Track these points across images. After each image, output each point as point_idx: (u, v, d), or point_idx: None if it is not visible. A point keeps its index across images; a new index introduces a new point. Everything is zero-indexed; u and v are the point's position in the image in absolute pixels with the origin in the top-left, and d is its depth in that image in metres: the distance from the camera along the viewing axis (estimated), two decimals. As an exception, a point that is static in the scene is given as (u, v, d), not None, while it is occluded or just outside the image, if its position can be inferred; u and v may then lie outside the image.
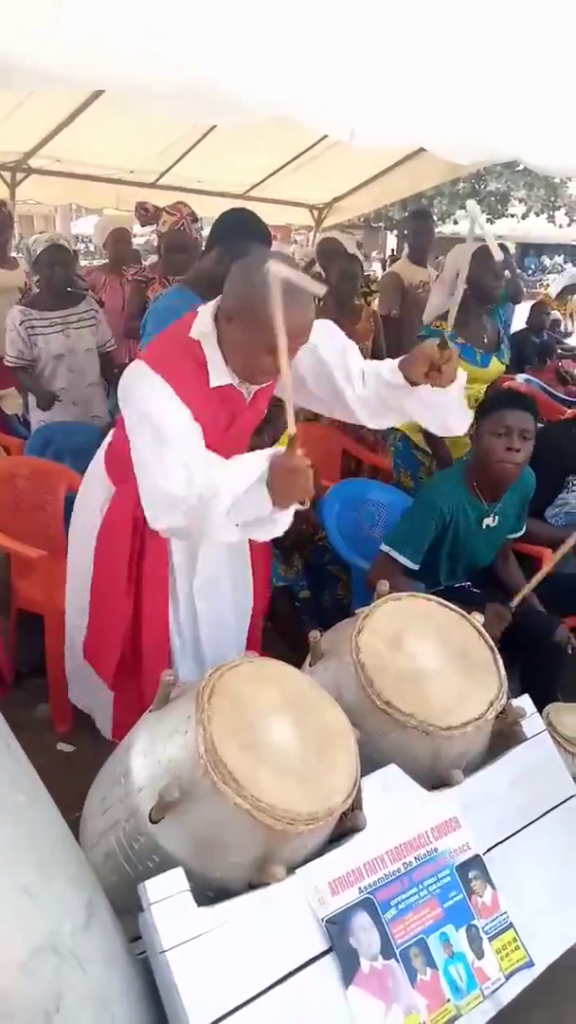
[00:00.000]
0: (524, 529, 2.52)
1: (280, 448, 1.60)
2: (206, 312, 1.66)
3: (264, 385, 1.77)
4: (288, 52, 1.31)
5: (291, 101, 1.40)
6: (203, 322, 1.66)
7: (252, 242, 2.06)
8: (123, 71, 1.24)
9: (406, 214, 12.66)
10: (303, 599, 2.69)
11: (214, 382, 1.66)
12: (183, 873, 1.25)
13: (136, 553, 1.86)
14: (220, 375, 1.66)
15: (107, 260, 4.59)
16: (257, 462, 1.58)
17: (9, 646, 2.55)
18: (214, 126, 4.54)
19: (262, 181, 5.62)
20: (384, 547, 2.32)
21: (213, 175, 5.40)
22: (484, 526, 2.38)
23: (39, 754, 1.99)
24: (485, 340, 2.90)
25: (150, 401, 1.60)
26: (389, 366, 1.80)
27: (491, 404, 2.36)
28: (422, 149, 5.03)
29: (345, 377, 1.83)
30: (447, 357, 1.71)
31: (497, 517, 2.39)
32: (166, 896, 1.23)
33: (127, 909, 1.31)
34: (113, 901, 1.31)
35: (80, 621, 1.98)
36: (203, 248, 2.19)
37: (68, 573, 2.08)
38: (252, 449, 1.73)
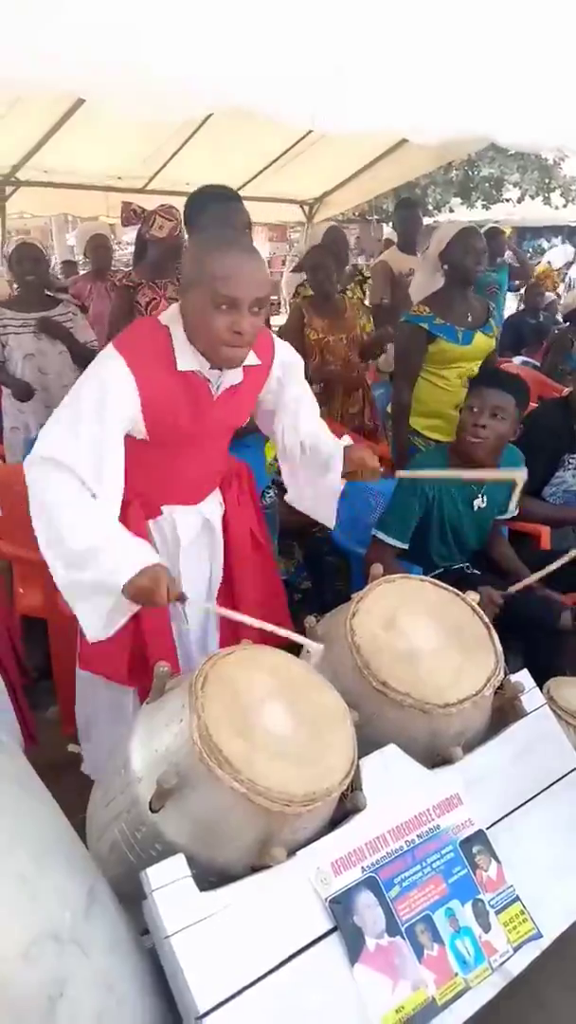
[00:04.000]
0: (515, 511, 2.52)
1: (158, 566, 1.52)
2: (176, 305, 1.68)
3: (236, 383, 1.74)
4: (243, 40, 1.32)
5: (248, 90, 1.41)
6: (171, 310, 1.67)
7: (232, 204, 2.10)
8: (78, 72, 1.25)
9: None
10: (304, 591, 2.70)
11: (181, 366, 1.65)
12: (184, 859, 1.27)
13: None
14: (186, 359, 1.65)
15: (90, 268, 4.65)
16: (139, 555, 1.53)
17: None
18: (199, 127, 4.57)
19: (250, 180, 5.63)
20: (374, 531, 2.35)
21: (201, 177, 5.40)
22: (475, 507, 2.38)
23: (48, 755, 2.03)
24: (470, 318, 2.90)
25: (94, 377, 1.60)
26: (336, 452, 1.88)
27: (474, 381, 2.38)
28: (407, 140, 5.08)
29: (290, 427, 1.92)
30: (372, 473, 1.92)
31: (486, 497, 2.39)
32: (168, 882, 1.24)
33: (135, 899, 1.32)
34: (121, 892, 1.33)
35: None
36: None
37: None
38: None
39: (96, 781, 1.57)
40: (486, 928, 1.46)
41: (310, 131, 4.70)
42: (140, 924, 1.32)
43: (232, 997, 1.21)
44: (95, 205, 5.73)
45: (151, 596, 1.49)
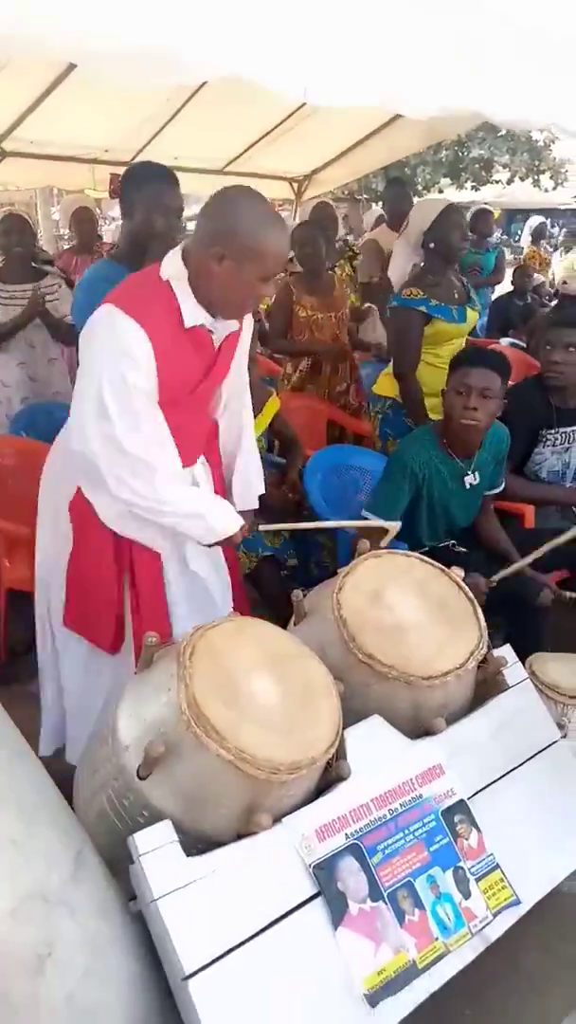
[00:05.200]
0: (503, 485, 2.54)
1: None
2: (175, 254, 1.66)
3: (234, 330, 1.78)
4: (238, 10, 1.30)
5: (242, 60, 1.40)
6: (172, 263, 1.66)
7: (169, 187, 2.09)
8: (71, 36, 1.23)
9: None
10: (290, 567, 2.71)
11: (188, 322, 1.65)
12: (171, 825, 1.29)
13: None
14: (194, 315, 1.66)
15: (76, 242, 4.60)
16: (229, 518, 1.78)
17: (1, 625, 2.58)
18: (188, 100, 4.50)
19: (239, 155, 5.57)
20: (363, 512, 2.35)
21: (190, 151, 5.35)
22: (467, 485, 2.39)
23: (33, 727, 2.04)
24: (456, 295, 2.90)
25: (118, 343, 1.59)
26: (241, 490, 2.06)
27: (456, 361, 2.38)
28: (397, 117, 5.04)
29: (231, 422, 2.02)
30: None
31: (477, 475, 2.41)
32: (155, 847, 1.26)
33: (123, 867, 1.34)
34: (108, 860, 1.35)
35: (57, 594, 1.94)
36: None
37: (38, 548, 2.01)
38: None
39: (82, 751, 1.58)
40: (466, 895, 1.49)
41: (301, 106, 4.65)
42: (127, 891, 1.34)
43: (218, 959, 1.23)
44: (81, 177, 5.65)
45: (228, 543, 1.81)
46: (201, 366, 1.75)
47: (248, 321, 1.90)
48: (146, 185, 2.11)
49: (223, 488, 2.02)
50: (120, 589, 1.83)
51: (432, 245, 2.86)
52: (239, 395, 2.00)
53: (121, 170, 5.19)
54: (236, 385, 1.97)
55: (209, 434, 1.95)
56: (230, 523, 1.78)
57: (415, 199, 5.00)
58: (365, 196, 13.34)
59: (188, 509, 1.73)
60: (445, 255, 2.86)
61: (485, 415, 2.27)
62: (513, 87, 1.82)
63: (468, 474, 2.39)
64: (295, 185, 6.27)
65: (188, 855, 1.28)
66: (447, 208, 2.87)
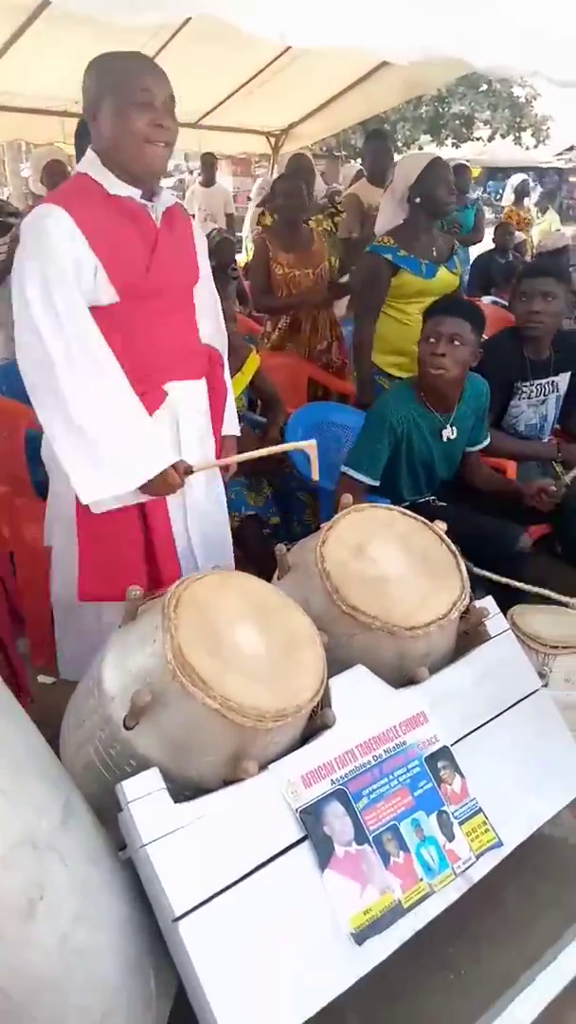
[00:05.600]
0: (488, 439, 2.55)
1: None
2: (89, 151, 1.73)
3: (171, 204, 1.79)
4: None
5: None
6: (87, 156, 1.73)
7: None
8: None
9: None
10: (273, 525, 2.72)
11: (112, 190, 1.69)
12: (159, 772, 1.30)
13: None
14: (114, 185, 1.70)
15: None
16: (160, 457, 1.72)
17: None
18: (161, 49, 4.37)
19: (215, 108, 5.44)
20: (344, 468, 2.36)
21: (163, 104, 5.23)
22: (444, 438, 2.40)
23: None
24: (434, 252, 2.87)
25: (40, 235, 1.62)
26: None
27: (428, 312, 2.37)
28: (376, 69, 4.93)
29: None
30: None
31: (455, 428, 2.41)
32: (143, 794, 1.27)
33: (111, 817, 1.35)
34: (97, 809, 1.36)
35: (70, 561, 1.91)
36: None
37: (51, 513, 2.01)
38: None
39: (68, 704, 1.59)
40: (450, 837, 1.52)
41: (278, 56, 4.54)
42: (115, 841, 1.36)
43: (207, 901, 1.25)
44: (50, 130, 5.49)
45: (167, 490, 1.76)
46: (142, 242, 1.74)
47: (200, 235, 1.91)
48: None
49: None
50: (140, 529, 1.83)
51: (418, 200, 2.82)
52: (213, 318, 1.99)
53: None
54: (206, 302, 1.95)
55: (210, 359, 1.93)
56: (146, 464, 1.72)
57: (395, 155, 4.92)
58: (344, 152, 13.12)
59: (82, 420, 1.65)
60: (431, 210, 2.83)
61: (453, 362, 2.26)
62: (496, 33, 1.78)
63: (446, 427, 2.39)
64: (272, 140, 6.15)
65: (176, 802, 1.30)
66: (432, 162, 2.83)
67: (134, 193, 1.72)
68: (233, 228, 7.38)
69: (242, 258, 5.99)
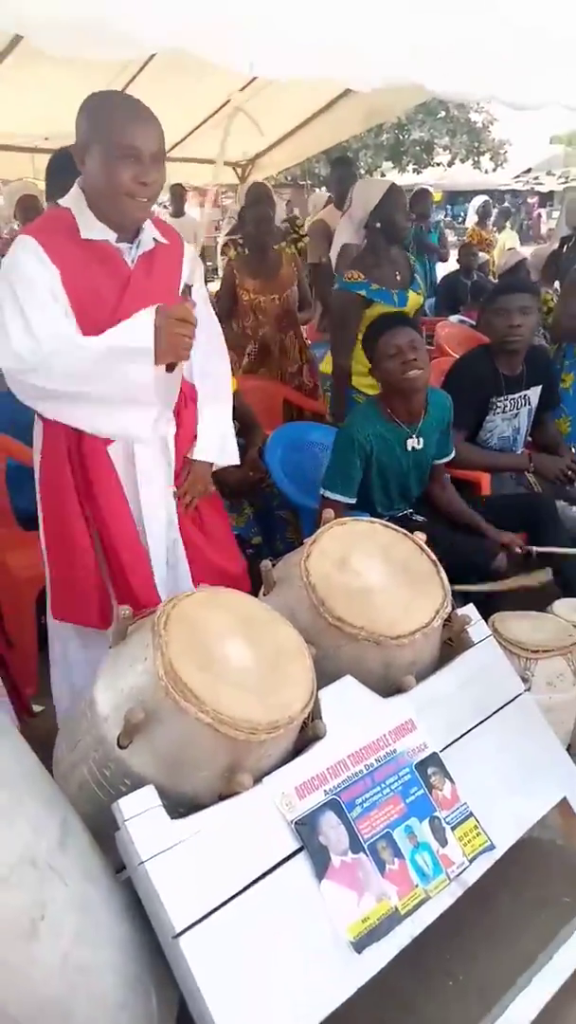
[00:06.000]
0: (453, 452, 2.60)
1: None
2: (75, 185, 1.75)
3: (149, 248, 1.79)
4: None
5: (186, 33, 1.41)
6: (72, 191, 1.75)
7: None
8: (12, 5, 1.23)
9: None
10: (255, 545, 2.75)
11: (84, 233, 1.71)
12: (154, 790, 1.31)
13: (80, 485, 1.81)
14: (90, 228, 1.71)
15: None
16: (143, 315, 1.68)
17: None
18: (127, 84, 4.45)
19: (182, 140, 5.53)
20: (322, 491, 2.41)
21: (131, 137, 5.30)
22: (410, 448, 2.45)
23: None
24: (398, 277, 2.95)
25: (15, 264, 1.66)
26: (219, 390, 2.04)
27: (373, 332, 2.44)
28: (338, 98, 5.05)
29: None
30: None
31: (421, 439, 2.46)
32: (140, 812, 1.28)
33: (106, 837, 1.36)
34: (92, 830, 1.36)
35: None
36: None
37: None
38: None
39: (60, 726, 1.59)
40: (443, 843, 1.54)
41: (244, 87, 4.63)
42: (112, 863, 1.36)
43: (206, 916, 1.26)
44: (21, 166, 5.55)
45: (180, 333, 1.69)
46: (113, 284, 1.75)
47: (194, 256, 1.88)
48: (70, 174, 2.09)
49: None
50: (94, 554, 1.83)
51: (378, 225, 2.90)
52: (208, 342, 1.95)
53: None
54: (203, 328, 1.87)
55: (184, 395, 1.93)
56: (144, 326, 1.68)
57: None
58: (308, 181, 13.34)
59: (101, 346, 1.66)
60: (391, 235, 2.90)
61: (424, 363, 2.35)
62: (454, 60, 1.86)
63: (411, 437, 2.45)
64: (239, 170, 6.25)
65: (172, 818, 1.31)
66: (391, 188, 2.91)
67: (110, 236, 1.73)
68: (205, 257, 7.47)
69: (212, 286, 6.06)
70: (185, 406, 1.96)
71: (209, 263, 7.63)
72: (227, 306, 3.62)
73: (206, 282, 2.01)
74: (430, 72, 1.85)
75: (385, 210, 2.86)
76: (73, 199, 1.74)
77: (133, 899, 1.31)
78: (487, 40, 1.89)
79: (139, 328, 1.67)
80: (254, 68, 1.54)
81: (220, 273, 6.60)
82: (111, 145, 1.62)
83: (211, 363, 2.01)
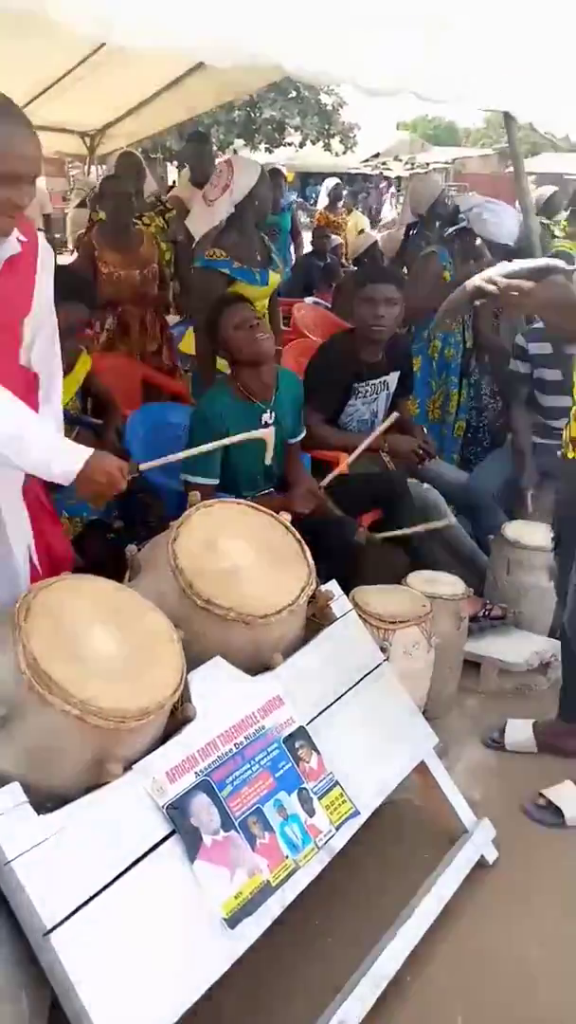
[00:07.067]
0: (304, 431, 2.66)
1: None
2: None
3: (15, 253, 1.65)
4: None
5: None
6: None
7: None
8: None
9: (184, 143, 12.33)
10: (116, 530, 2.68)
11: None
12: (19, 787, 1.27)
13: None
14: None
15: None
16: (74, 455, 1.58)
17: None
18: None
19: (27, 104, 5.23)
20: (183, 476, 2.37)
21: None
22: (263, 422, 2.48)
23: None
24: (259, 257, 2.96)
25: None
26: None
27: (213, 313, 2.48)
28: (190, 72, 4.96)
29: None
30: None
31: (273, 413, 2.50)
32: (4, 811, 1.23)
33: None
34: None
35: None
36: None
37: None
38: None
39: None
40: (311, 813, 1.60)
41: (93, 52, 4.45)
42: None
43: (77, 910, 1.24)
44: None
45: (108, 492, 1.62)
46: None
47: (48, 255, 1.77)
48: None
49: None
50: None
51: (256, 203, 2.87)
52: (48, 339, 1.85)
53: None
54: (42, 325, 1.79)
55: (27, 384, 1.84)
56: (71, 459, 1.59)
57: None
58: (160, 155, 13.03)
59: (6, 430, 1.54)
60: (257, 214, 2.89)
61: (269, 332, 2.44)
62: (313, 41, 1.87)
63: (264, 412, 2.48)
64: (87, 139, 6.01)
65: (39, 814, 1.27)
66: (273, 170, 2.91)
67: None
68: (51, 229, 7.14)
69: (64, 259, 5.81)
70: (28, 395, 1.86)
71: (57, 235, 7.31)
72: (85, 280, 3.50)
73: (55, 255, 1.88)
74: (288, 51, 1.85)
75: (258, 189, 2.84)
76: None
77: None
78: (348, 22, 1.90)
79: (67, 461, 1.58)
80: (112, 35, 1.47)
81: (70, 246, 6.34)
82: None
83: (49, 356, 1.88)
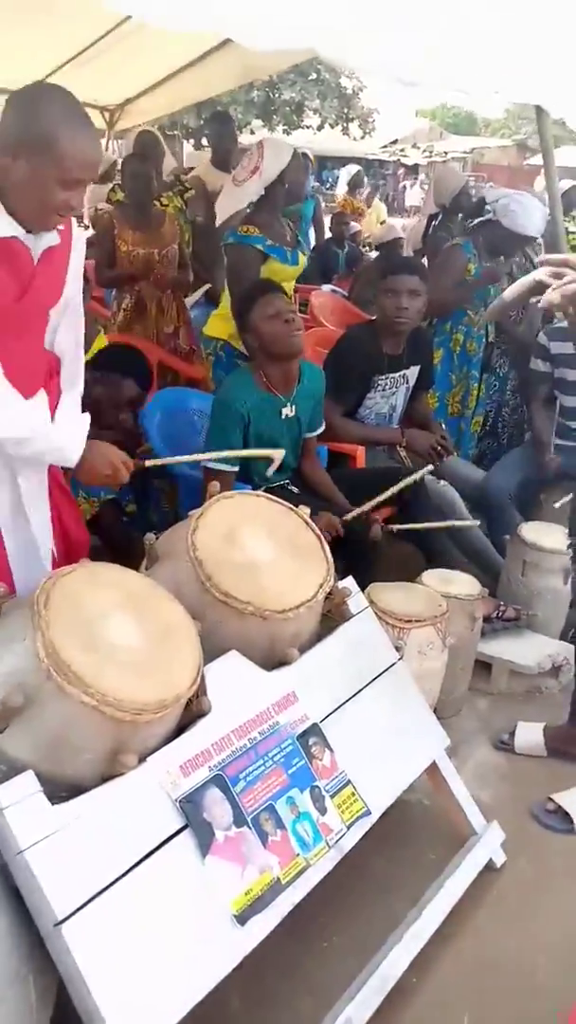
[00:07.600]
0: (323, 425, 2.63)
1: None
2: None
3: (54, 244, 1.66)
4: None
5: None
6: None
7: None
8: None
9: (202, 121, 12.20)
10: (129, 513, 2.67)
11: (2, 232, 1.55)
12: (33, 775, 1.25)
13: None
14: (3, 226, 1.55)
15: None
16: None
17: None
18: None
19: (49, 75, 5.16)
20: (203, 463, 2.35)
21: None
22: (283, 416, 2.45)
23: None
24: (288, 238, 2.92)
25: None
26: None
27: (247, 297, 2.46)
28: (214, 50, 4.89)
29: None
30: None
31: (294, 407, 2.47)
32: (18, 800, 1.22)
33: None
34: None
35: None
36: None
37: None
38: None
39: None
40: (322, 811, 1.58)
41: (115, 27, 4.38)
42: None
43: (89, 901, 1.23)
44: None
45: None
46: (16, 280, 1.61)
47: (80, 242, 1.76)
48: None
49: None
50: None
51: (287, 186, 2.82)
52: (73, 325, 1.85)
53: None
54: (69, 311, 1.81)
55: (49, 367, 1.82)
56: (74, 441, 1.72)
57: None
58: (178, 132, 12.92)
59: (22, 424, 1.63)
60: (293, 196, 2.86)
61: (302, 328, 2.40)
62: (346, 24, 1.82)
63: (285, 406, 2.45)
64: (106, 114, 5.93)
65: (53, 803, 1.26)
66: (299, 153, 2.87)
67: (18, 233, 1.58)
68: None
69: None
70: (51, 379, 1.85)
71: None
72: (105, 254, 3.48)
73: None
74: (323, 36, 1.80)
75: (289, 173, 2.80)
76: None
77: (10, 889, 1.25)
78: (385, 12, 1.86)
79: (69, 447, 1.71)
80: (147, 15, 1.43)
81: (86, 220, 6.29)
82: (55, 166, 1.48)
83: (70, 344, 1.88)
